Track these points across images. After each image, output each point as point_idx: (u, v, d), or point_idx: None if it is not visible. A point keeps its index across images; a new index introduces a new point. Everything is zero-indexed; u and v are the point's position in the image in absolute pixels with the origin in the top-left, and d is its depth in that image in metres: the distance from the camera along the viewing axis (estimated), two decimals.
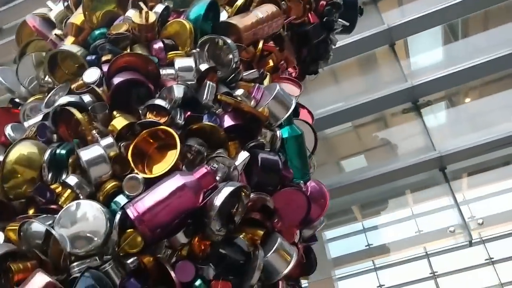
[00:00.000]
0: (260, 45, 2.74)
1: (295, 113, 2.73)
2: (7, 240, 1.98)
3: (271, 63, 2.86)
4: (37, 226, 1.92)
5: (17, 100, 2.66)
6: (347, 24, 4.20)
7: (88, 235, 1.87)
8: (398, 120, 8.87)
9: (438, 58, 8.74)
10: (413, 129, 7.49)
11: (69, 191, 2.00)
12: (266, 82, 2.76)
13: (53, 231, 1.83)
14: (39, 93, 2.58)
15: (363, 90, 8.04)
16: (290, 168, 2.47)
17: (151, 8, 2.54)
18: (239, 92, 2.43)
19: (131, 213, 1.87)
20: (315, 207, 2.47)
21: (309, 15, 3.72)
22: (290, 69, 3.39)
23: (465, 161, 7.18)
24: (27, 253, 1.92)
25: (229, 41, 2.49)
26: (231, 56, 2.56)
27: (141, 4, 2.45)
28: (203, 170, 2.02)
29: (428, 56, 9.01)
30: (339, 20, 4.09)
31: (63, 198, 2.00)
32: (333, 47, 4.24)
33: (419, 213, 9.27)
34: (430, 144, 6.70)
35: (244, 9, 2.85)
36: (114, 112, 2.18)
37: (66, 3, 2.80)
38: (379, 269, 9.98)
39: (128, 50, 2.40)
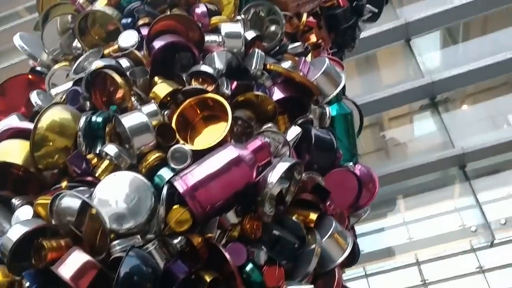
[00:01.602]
0: (304, 17, 2.55)
1: (342, 91, 2.54)
2: (36, 215, 1.76)
3: (313, 39, 2.66)
4: (70, 201, 1.70)
5: (38, 68, 2.44)
6: (376, 10, 4.05)
7: (130, 210, 1.65)
8: (397, 123, 8.69)
9: (445, 57, 8.62)
10: (430, 126, 7.28)
11: (107, 162, 1.78)
12: (308, 58, 2.56)
13: (92, 204, 1.61)
14: (64, 61, 2.36)
15: (380, 85, 7.85)
16: (339, 148, 2.28)
17: None
18: (287, 64, 2.24)
19: (180, 186, 1.66)
20: (364, 192, 2.28)
21: None
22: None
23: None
24: (59, 229, 1.70)
25: (277, 8, 2.30)
26: (273, 27, 2.40)
27: None
28: (257, 142, 1.82)
29: (435, 55, 8.86)
30: (368, 5, 3.94)
31: (100, 170, 1.78)
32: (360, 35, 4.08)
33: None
34: (448, 141, 6.50)
35: None
36: (156, 78, 1.97)
37: None
38: (370, 276, 9.85)
39: None
